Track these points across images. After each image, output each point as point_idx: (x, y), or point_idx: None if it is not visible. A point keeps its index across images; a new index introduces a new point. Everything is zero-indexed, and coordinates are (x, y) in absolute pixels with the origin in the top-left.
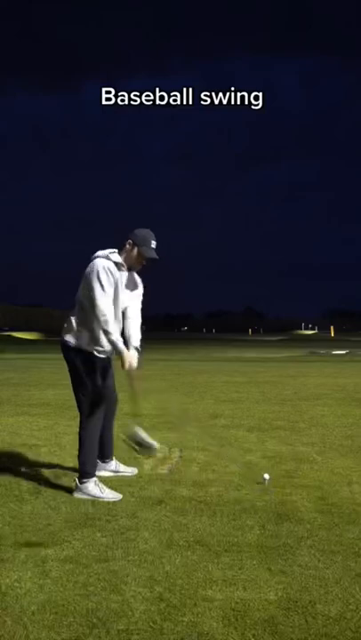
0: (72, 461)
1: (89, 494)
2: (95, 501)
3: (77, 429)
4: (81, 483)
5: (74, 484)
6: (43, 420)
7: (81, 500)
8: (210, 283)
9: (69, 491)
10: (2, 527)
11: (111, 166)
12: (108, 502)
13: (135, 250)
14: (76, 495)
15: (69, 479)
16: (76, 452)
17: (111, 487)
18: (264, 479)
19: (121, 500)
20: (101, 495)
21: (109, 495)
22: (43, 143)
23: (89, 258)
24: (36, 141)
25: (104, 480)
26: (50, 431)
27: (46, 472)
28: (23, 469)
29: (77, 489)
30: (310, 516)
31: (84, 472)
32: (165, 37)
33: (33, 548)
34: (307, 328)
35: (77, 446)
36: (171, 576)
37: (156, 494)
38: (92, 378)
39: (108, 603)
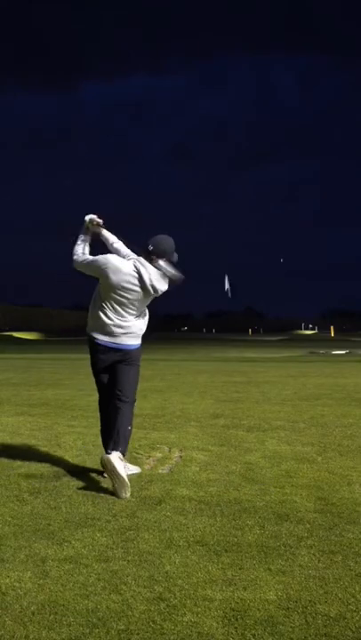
0: (72, 461)
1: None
2: (95, 501)
3: (79, 429)
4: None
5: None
6: (43, 420)
7: (81, 499)
8: (210, 283)
9: (69, 490)
10: (2, 527)
11: (111, 166)
12: (108, 502)
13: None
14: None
15: (69, 479)
16: (76, 452)
17: (111, 487)
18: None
19: (121, 499)
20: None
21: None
22: (42, 142)
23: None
24: (36, 141)
25: (105, 480)
26: (50, 431)
27: (46, 472)
28: (23, 469)
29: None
30: (310, 516)
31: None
32: (165, 37)
33: (33, 548)
34: (307, 328)
35: (78, 445)
36: (171, 576)
37: (156, 494)
38: (93, 364)
39: (108, 603)
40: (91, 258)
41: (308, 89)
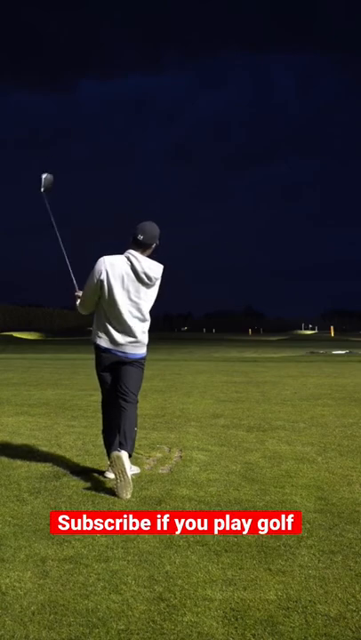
0: (72, 461)
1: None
2: (95, 501)
3: (79, 429)
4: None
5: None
6: (43, 420)
7: (81, 499)
8: (210, 283)
9: (69, 490)
10: (2, 527)
11: (111, 166)
12: (108, 502)
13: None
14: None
15: (69, 479)
16: (76, 452)
17: (111, 487)
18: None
19: (121, 499)
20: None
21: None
22: (40, 142)
23: (88, 256)
24: (34, 140)
25: (105, 480)
26: (50, 431)
27: (46, 472)
28: (23, 469)
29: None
30: (310, 516)
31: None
32: (164, 37)
33: (33, 548)
34: (307, 328)
35: (78, 445)
36: (171, 576)
37: (156, 494)
38: (97, 363)
39: (108, 603)
40: (87, 283)
41: (307, 89)
